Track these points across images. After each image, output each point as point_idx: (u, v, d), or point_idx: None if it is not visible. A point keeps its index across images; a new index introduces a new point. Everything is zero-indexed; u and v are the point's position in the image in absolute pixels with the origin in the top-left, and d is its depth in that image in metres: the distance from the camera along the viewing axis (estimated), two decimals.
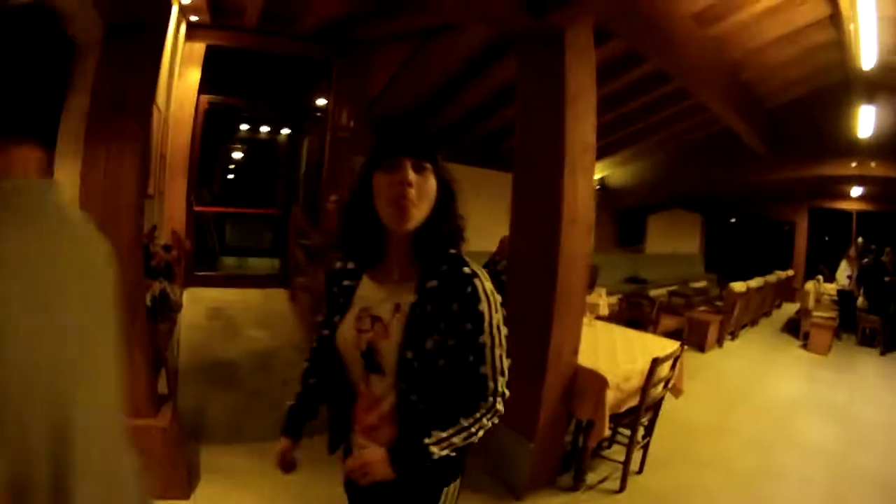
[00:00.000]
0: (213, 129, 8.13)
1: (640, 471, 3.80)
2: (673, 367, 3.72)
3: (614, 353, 3.67)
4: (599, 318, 5.35)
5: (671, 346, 3.79)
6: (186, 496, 2.90)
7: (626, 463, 3.53)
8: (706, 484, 3.81)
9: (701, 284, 11.27)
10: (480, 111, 6.70)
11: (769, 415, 5.42)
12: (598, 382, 3.21)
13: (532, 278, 3.18)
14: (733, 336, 8.63)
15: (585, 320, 4.31)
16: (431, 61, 5.73)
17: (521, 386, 3.19)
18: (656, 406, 3.83)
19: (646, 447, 3.85)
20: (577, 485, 3.50)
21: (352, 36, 5.97)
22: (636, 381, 3.44)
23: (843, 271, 10.32)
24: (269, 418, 3.68)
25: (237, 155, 11.10)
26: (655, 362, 3.26)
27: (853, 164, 8.61)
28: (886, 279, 8.44)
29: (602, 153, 8.55)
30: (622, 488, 3.53)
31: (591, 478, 3.65)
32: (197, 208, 7.68)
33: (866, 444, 4.81)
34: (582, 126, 3.15)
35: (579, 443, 3.60)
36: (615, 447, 3.91)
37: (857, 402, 6.00)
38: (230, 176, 10.96)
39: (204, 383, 4.54)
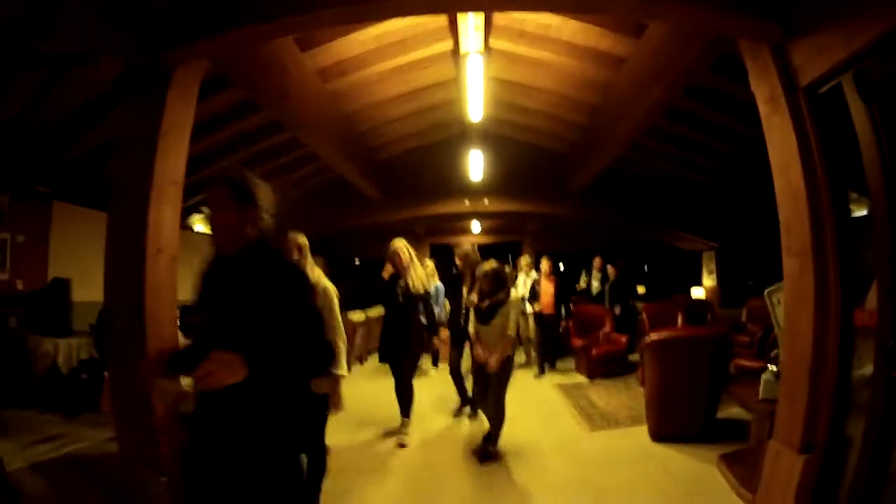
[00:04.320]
0: None
1: None
2: None
3: None
4: None
5: None
6: None
7: None
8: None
9: None
10: (103, 153, 6.05)
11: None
12: None
13: (125, 309, 3.12)
14: (361, 361, 9.35)
15: None
16: (64, 95, 5.01)
17: (135, 418, 3.12)
18: None
19: None
20: None
21: None
22: None
23: None
24: None
25: None
26: None
27: (466, 202, 10.04)
28: None
29: None
30: None
31: None
32: None
33: None
34: (171, 162, 3.27)
35: None
36: None
37: None
38: None
39: None
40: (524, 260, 9.17)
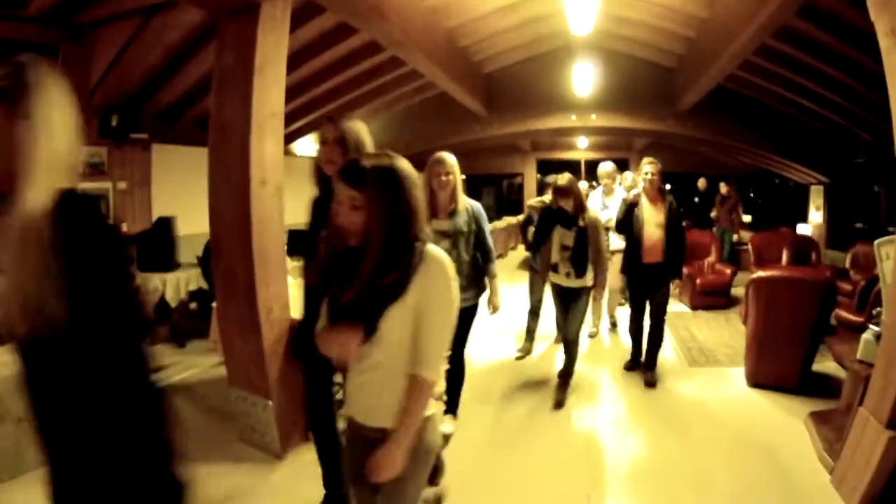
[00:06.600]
0: None
1: None
2: None
3: None
4: None
5: None
6: None
7: None
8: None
9: None
10: (197, 92, 6.45)
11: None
12: None
13: (232, 241, 3.28)
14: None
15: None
16: (151, 43, 5.35)
17: (243, 345, 3.37)
18: None
19: None
20: None
21: (76, 18, 5.26)
22: None
23: None
24: None
25: None
26: None
27: (573, 118, 9.76)
28: None
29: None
30: None
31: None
32: None
33: None
34: (269, 94, 3.28)
35: None
36: None
37: None
38: None
39: None
40: (603, 169, 6.29)
